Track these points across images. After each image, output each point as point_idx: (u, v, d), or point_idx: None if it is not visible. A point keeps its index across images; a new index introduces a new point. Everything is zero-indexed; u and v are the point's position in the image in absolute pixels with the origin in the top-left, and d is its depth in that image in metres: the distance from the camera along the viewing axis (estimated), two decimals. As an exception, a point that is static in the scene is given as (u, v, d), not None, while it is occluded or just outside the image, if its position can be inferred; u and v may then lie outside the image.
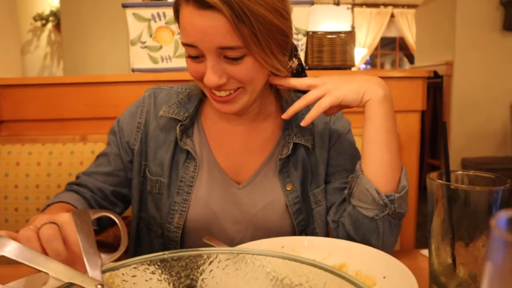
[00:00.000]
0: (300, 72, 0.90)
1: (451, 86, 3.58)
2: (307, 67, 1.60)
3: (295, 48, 0.89)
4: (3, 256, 0.44)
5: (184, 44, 0.75)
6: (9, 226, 1.35)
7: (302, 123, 0.79)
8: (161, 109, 0.90)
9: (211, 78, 0.74)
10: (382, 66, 9.36)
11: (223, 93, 0.78)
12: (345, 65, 1.57)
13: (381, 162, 0.78)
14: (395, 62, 9.35)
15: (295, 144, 0.88)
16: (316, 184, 0.91)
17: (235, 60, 0.73)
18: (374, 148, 0.78)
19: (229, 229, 0.88)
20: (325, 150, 0.91)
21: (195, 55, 0.75)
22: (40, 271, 0.42)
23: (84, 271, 0.51)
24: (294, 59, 0.88)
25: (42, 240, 0.56)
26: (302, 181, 0.90)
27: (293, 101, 0.83)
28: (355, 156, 0.91)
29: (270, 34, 0.73)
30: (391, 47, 9.23)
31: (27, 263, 0.42)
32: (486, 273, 0.23)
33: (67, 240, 0.57)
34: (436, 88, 3.83)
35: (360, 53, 8.25)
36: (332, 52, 1.53)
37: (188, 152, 0.88)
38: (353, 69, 1.80)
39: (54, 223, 0.58)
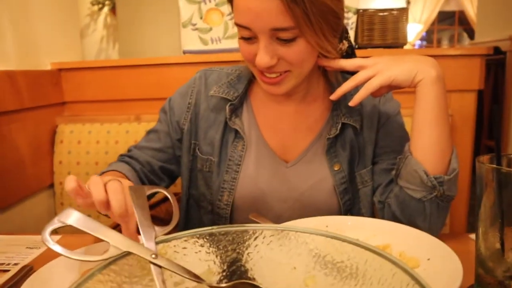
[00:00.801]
0: (350, 54, 0.90)
1: (514, 63, 3.34)
2: (356, 46, 1.57)
3: (345, 31, 0.88)
4: (69, 225, 0.49)
5: (238, 25, 0.77)
6: (72, 200, 1.45)
7: (351, 103, 0.78)
8: (211, 89, 0.93)
9: (263, 58, 0.75)
10: (439, 42, 8.89)
11: (273, 75, 0.79)
12: (397, 43, 1.52)
13: (431, 143, 0.77)
14: (453, 38, 8.83)
15: (343, 124, 0.89)
16: (363, 164, 0.91)
17: (288, 42, 0.74)
18: (425, 129, 0.77)
19: (276, 207, 0.90)
20: (373, 131, 0.90)
21: (248, 37, 0.76)
22: (101, 240, 0.46)
23: (136, 238, 0.57)
24: (344, 41, 0.88)
25: (108, 190, 0.61)
26: (350, 161, 0.90)
27: (341, 83, 0.83)
28: (403, 137, 0.90)
29: (322, 15, 0.73)
30: (450, 22, 8.71)
31: (90, 232, 0.45)
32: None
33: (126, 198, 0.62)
34: (498, 65, 3.59)
35: (415, 29, 7.86)
36: (383, 30, 1.48)
37: (236, 131, 0.90)
38: (407, 46, 1.74)
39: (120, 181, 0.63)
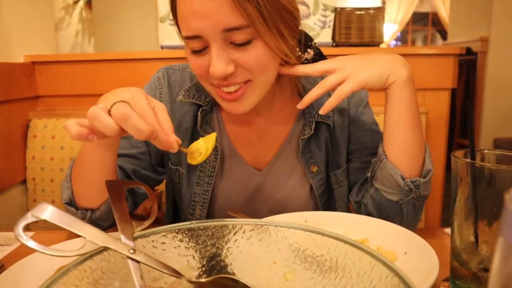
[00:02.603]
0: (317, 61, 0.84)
1: (485, 63, 3.44)
2: (334, 44, 1.58)
3: (309, 38, 0.83)
4: (44, 221, 0.47)
5: (186, 38, 0.68)
6: (46, 196, 1.42)
7: (321, 112, 0.74)
8: (179, 94, 0.85)
9: (217, 66, 0.66)
10: (413, 43, 9.07)
11: (231, 88, 0.71)
12: (374, 42, 1.54)
13: (405, 146, 0.75)
14: (427, 38, 9.03)
15: (317, 122, 0.84)
16: (337, 164, 0.88)
17: (243, 45, 0.67)
18: (398, 132, 0.75)
19: (252, 216, 0.85)
20: (345, 127, 0.87)
21: (199, 48, 0.69)
22: (77, 236, 0.45)
23: (173, 141, 0.57)
24: (309, 50, 0.81)
25: (116, 120, 0.54)
26: (326, 161, 0.87)
27: (311, 86, 0.79)
28: (374, 131, 0.88)
29: (277, 11, 0.67)
30: (423, 23, 8.90)
31: (66, 227, 0.44)
32: (498, 248, 0.23)
33: (141, 113, 0.55)
34: (469, 65, 3.69)
35: (391, 29, 8.00)
36: (360, 29, 1.50)
37: None
38: (382, 45, 1.77)
39: (124, 101, 0.55)
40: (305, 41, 0.80)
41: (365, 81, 0.71)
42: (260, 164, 0.87)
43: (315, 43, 0.84)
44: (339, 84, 0.72)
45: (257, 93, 0.73)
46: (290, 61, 0.74)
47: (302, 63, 0.79)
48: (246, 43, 0.67)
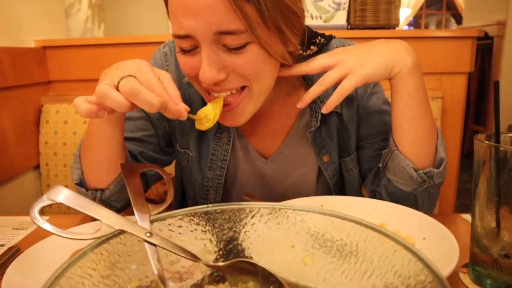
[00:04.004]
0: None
1: (502, 48, 3.36)
2: (348, 27, 1.55)
3: (314, 34, 0.78)
4: (59, 203, 0.47)
5: (176, 37, 0.63)
6: (59, 181, 1.43)
7: (323, 110, 0.69)
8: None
9: (207, 72, 0.61)
10: (426, 27, 8.90)
11: (223, 94, 0.66)
12: (389, 25, 1.51)
13: (416, 137, 0.73)
14: (440, 23, 8.85)
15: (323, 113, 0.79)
16: (347, 151, 0.85)
17: (237, 49, 0.61)
18: (407, 123, 0.72)
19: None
20: (353, 111, 0.83)
21: (189, 48, 0.63)
22: (93, 218, 0.45)
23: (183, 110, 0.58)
24: (312, 47, 0.77)
25: (125, 95, 0.54)
26: (338, 150, 0.84)
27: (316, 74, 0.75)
28: (386, 112, 0.83)
29: (279, 10, 0.60)
30: (438, 7, 8.71)
31: (81, 210, 0.44)
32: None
33: (149, 86, 0.55)
34: (484, 50, 3.61)
35: (404, 13, 7.84)
36: (375, 11, 1.46)
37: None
38: (397, 29, 1.73)
39: (131, 76, 0.55)
40: (310, 37, 0.76)
41: (368, 75, 0.67)
42: (267, 152, 0.85)
43: (320, 39, 0.79)
44: (341, 80, 0.67)
45: (253, 103, 0.68)
46: (287, 64, 0.69)
47: (304, 58, 0.74)
48: (240, 47, 0.61)
